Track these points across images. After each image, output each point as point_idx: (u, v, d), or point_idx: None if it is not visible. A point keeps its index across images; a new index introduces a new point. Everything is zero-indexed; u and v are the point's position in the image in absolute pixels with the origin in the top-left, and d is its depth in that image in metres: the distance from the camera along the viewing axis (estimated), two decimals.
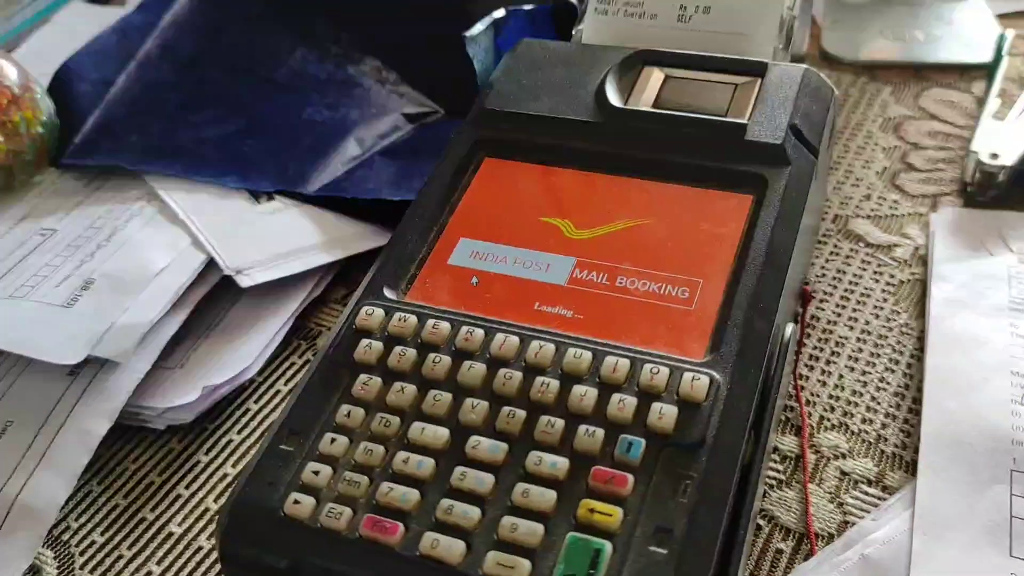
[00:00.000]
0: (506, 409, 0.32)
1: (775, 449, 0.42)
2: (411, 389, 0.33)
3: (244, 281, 0.46)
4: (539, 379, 0.32)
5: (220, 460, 0.44)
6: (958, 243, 0.49)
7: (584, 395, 0.32)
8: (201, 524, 0.41)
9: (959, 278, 0.47)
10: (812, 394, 0.44)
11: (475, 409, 0.32)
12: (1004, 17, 0.62)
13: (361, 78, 0.60)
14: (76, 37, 0.63)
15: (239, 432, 0.45)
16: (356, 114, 0.59)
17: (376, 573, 0.29)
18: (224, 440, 0.44)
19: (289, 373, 0.47)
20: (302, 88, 0.59)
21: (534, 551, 0.29)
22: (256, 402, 0.46)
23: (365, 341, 0.35)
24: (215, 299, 0.48)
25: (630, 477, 0.30)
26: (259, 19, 0.62)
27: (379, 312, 0.35)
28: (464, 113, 0.44)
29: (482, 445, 0.31)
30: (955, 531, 0.37)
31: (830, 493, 0.40)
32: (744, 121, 0.39)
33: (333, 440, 0.32)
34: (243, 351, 0.46)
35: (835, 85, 0.46)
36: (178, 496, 0.42)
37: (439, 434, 0.32)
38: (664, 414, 0.31)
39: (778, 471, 0.41)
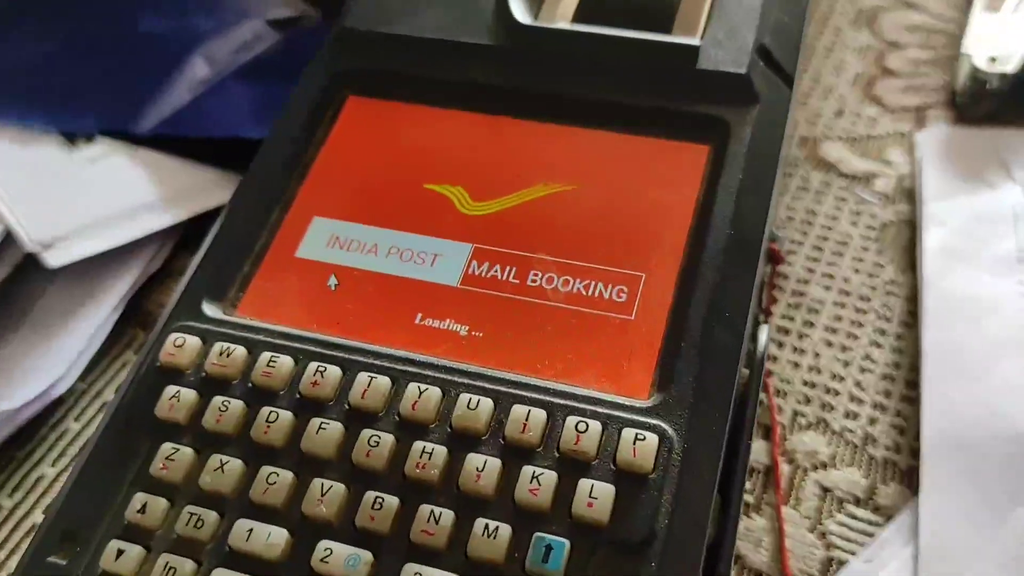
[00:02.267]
0: (370, 495, 0.22)
1: None
2: (235, 466, 0.23)
3: (54, 259, 0.36)
4: (418, 445, 0.23)
5: (29, 503, 0.33)
6: (951, 172, 0.39)
7: (482, 470, 0.22)
8: None
9: (954, 220, 0.38)
10: (782, 380, 0.35)
11: (326, 496, 0.22)
12: None
13: None
14: None
15: (54, 463, 0.34)
16: (206, 22, 0.47)
17: None
18: (35, 476, 0.34)
19: (121, 376, 0.37)
20: None
21: None
22: (77, 420, 0.36)
23: (171, 390, 0.24)
24: (19, 284, 0.37)
25: None
26: None
27: (192, 342, 0.25)
28: None
29: (335, 556, 0.21)
30: (973, 568, 0.29)
31: (809, 519, 0.32)
32: (695, 42, 0.28)
33: (120, 552, 0.22)
34: (57, 354, 0.36)
35: None
36: None
37: (274, 540, 0.22)
38: (597, 497, 0.21)
39: (744, 490, 0.32)
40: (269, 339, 0.25)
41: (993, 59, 0.41)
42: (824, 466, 0.33)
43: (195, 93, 0.44)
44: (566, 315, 0.26)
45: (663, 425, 0.23)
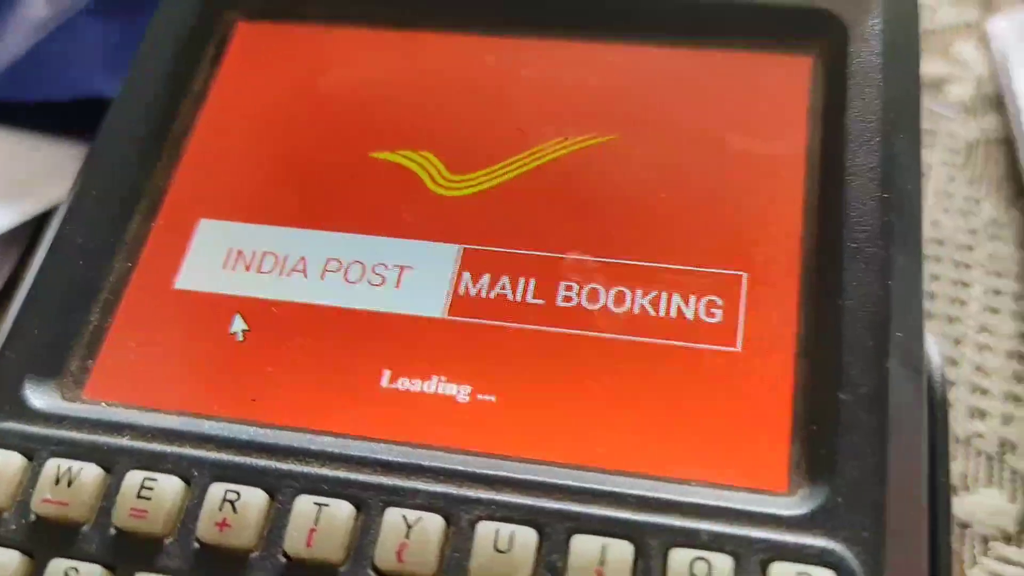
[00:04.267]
0: None
1: None
2: None
3: None
4: None
5: None
6: None
7: None
8: None
9: None
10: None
11: None
12: None
13: None
14: None
15: None
16: None
17: None
18: None
19: None
20: None
21: None
22: None
23: None
24: None
25: None
26: None
27: (10, 461, 0.14)
28: None
29: None
30: None
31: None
32: None
33: None
34: None
35: None
36: None
37: None
38: None
39: None
40: (139, 444, 0.15)
41: None
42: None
43: (32, 40, 0.33)
44: (627, 354, 0.16)
45: (835, 548, 0.13)
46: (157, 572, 0.14)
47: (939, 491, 0.15)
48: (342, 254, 0.17)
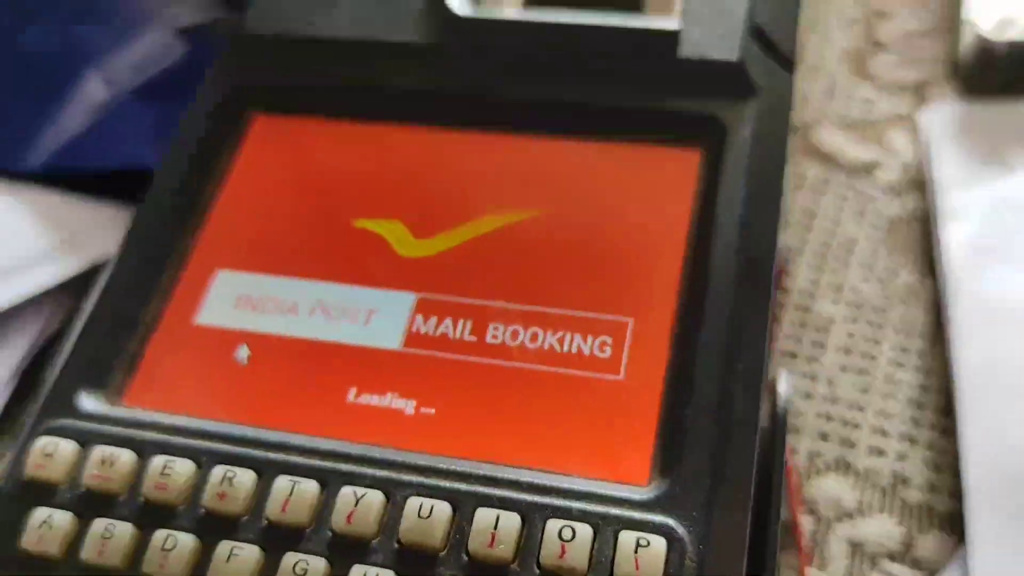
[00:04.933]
0: None
1: None
2: None
3: None
4: (357, 572, 0.17)
5: None
6: (964, 156, 0.35)
7: None
8: None
9: (976, 211, 0.33)
10: (796, 412, 0.29)
11: None
12: None
13: None
14: None
15: None
16: (101, 34, 0.40)
17: None
18: None
19: None
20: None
21: None
22: None
23: (41, 515, 0.19)
24: None
25: None
26: None
27: (66, 448, 0.19)
28: None
29: None
30: None
31: None
32: (673, 25, 0.23)
33: None
34: None
35: None
36: None
37: None
38: None
39: None
40: (163, 437, 0.20)
41: (1000, 23, 0.36)
42: (850, 516, 0.28)
43: (92, 119, 0.37)
44: (536, 379, 0.20)
45: (670, 523, 0.18)
46: (172, 529, 0.19)
47: (774, 490, 0.20)
48: (325, 298, 0.22)
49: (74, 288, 0.33)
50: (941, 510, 0.28)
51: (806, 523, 0.28)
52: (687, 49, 0.23)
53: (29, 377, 0.32)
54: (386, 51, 0.25)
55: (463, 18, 0.25)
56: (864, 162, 0.36)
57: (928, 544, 0.27)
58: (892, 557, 0.27)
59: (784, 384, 0.21)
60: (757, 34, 0.24)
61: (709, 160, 0.22)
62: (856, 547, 0.27)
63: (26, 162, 0.35)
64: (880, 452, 0.29)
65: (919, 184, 0.35)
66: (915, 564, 0.27)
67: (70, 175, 0.35)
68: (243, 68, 0.26)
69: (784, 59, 0.24)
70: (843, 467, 0.29)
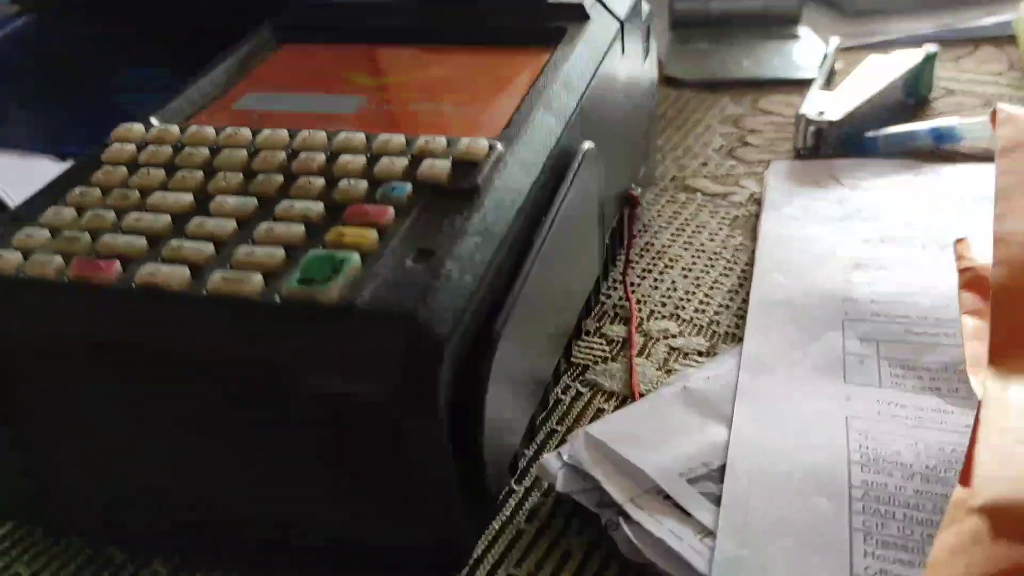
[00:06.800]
0: (262, 176, 0.28)
1: (601, 333, 0.39)
2: (158, 173, 0.29)
3: None
4: (305, 155, 0.29)
5: None
6: (791, 184, 0.48)
7: (351, 160, 0.29)
8: None
9: (791, 207, 0.46)
10: (643, 295, 0.41)
11: (227, 179, 0.28)
12: (839, 51, 0.63)
13: None
14: None
15: None
16: None
17: (86, 316, 0.24)
18: None
19: None
20: None
21: (271, 271, 0.24)
22: None
23: (118, 145, 0.31)
24: None
25: (390, 209, 0.26)
26: None
27: (138, 127, 0.32)
28: None
29: (229, 201, 0.27)
30: (786, 367, 0.34)
31: (658, 363, 0.36)
32: None
33: (57, 213, 0.28)
34: None
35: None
36: None
37: (182, 198, 0.28)
38: (436, 166, 0.28)
39: (603, 351, 0.37)
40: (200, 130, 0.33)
41: (822, 112, 0.51)
42: (674, 336, 0.38)
43: None
44: (437, 117, 0.33)
45: (496, 141, 0.30)
46: (200, 149, 0.31)
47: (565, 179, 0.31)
48: (310, 99, 0.36)
49: None
50: (740, 336, 0.38)
51: (639, 339, 0.38)
52: None
53: None
54: (368, 9, 0.41)
55: None
56: (722, 192, 0.50)
57: (727, 349, 0.37)
58: (699, 355, 0.37)
59: (586, 145, 0.34)
60: None
61: (554, 56, 0.37)
62: (675, 350, 0.37)
63: None
64: (702, 311, 0.40)
65: (758, 201, 0.48)
66: (714, 356, 0.37)
67: None
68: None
69: (612, 14, 0.39)
70: (675, 317, 0.39)
